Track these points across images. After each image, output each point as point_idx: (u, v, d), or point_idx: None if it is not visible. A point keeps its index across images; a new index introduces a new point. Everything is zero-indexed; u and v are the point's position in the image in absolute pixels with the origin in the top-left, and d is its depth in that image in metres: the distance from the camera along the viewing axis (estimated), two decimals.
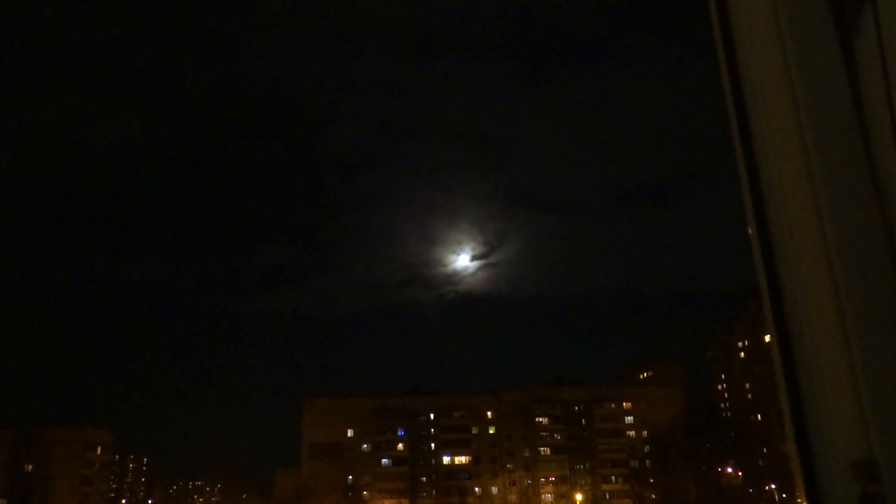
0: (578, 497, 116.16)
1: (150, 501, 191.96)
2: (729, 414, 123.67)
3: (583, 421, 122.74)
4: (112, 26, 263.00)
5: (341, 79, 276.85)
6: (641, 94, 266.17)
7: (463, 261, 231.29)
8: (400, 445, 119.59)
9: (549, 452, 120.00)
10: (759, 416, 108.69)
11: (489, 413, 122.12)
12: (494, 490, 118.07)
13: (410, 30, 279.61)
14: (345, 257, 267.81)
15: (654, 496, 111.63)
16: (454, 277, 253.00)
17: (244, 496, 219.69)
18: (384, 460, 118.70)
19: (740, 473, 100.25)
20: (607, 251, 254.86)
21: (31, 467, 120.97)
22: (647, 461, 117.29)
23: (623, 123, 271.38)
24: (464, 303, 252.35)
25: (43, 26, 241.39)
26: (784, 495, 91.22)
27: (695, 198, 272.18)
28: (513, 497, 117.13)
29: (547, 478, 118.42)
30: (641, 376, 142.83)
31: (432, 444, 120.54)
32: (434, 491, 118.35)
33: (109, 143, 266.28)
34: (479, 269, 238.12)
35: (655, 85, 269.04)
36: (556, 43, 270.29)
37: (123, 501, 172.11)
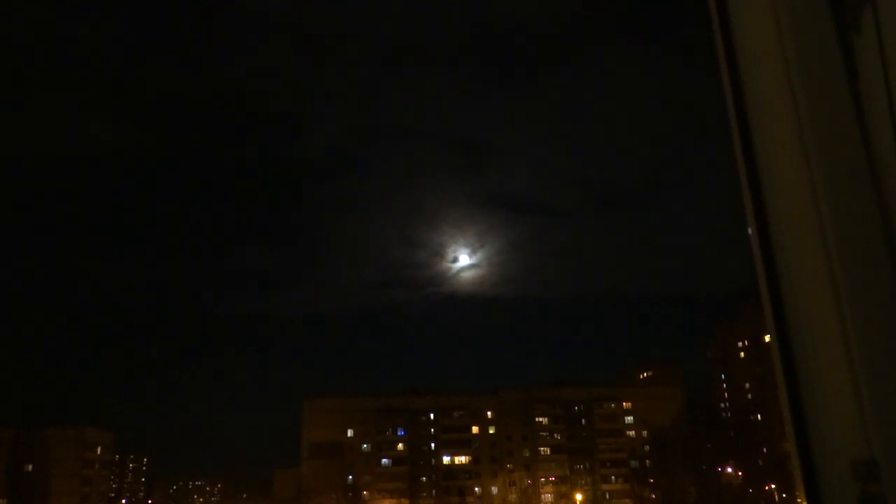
0: (578, 497, 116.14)
1: (150, 501, 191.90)
2: (729, 414, 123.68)
3: (583, 421, 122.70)
4: (86, 28, 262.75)
5: (318, 82, 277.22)
6: (620, 94, 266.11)
7: (445, 262, 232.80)
8: (400, 445, 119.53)
9: (548, 452, 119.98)
10: (759, 416, 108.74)
11: (489, 413, 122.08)
12: (494, 490, 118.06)
13: (386, 34, 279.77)
14: (329, 260, 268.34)
15: (654, 496, 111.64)
16: (437, 279, 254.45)
17: (244, 496, 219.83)
18: (384, 460, 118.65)
19: (740, 473, 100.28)
20: (593, 252, 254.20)
21: (31, 467, 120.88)
22: (647, 461, 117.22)
23: (601, 125, 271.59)
24: (450, 303, 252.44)
25: (12, 28, 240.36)
26: (784, 495, 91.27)
27: (687, 197, 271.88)
28: (513, 497, 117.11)
29: (547, 478, 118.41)
30: (641, 376, 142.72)
31: (432, 444, 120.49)
32: (434, 491, 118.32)
33: (92, 147, 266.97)
34: (462, 270, 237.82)
35: (636, 85, 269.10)
36: (532, 46, 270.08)
37: (123, 501, 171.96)
